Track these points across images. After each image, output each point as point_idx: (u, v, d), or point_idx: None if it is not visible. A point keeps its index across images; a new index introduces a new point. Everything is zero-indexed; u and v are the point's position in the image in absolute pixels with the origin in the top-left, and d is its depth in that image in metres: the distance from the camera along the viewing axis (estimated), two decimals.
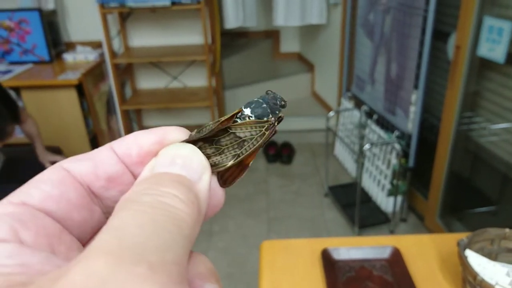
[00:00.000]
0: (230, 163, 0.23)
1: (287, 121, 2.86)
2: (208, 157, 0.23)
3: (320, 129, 2.74)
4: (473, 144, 1.93)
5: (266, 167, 2.58)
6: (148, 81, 2.60)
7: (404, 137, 2.01)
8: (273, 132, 0.24)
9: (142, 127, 2.68)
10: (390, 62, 2.08)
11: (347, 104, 2.48)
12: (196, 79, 2.61)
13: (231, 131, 0.24)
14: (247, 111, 0.24)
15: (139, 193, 0.17)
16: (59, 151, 2.01)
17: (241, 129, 0.24)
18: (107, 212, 0.21)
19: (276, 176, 2.48)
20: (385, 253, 0.74)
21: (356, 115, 2.34)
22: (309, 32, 3.25)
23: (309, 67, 3.33)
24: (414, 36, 1.85)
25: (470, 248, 0.67)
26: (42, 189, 0.20)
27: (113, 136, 2.44)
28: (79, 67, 2.22)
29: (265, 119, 0.24)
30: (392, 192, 2.07)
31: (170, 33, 2.47)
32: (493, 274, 0.63)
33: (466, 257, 0.63)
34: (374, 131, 2.19)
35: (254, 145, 0.23)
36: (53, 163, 1.67)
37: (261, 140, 0.24)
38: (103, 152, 0.21)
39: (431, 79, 1.97)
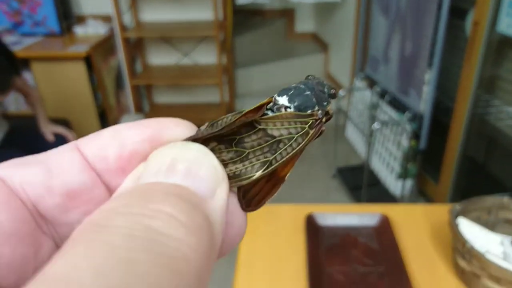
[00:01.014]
0: (258, 173, 0.16)
1: None
2: (224, 164, 0.16)
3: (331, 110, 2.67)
4: (489, 127, 1.85)
5: None
6: (158, 57, 2.58)
7: (416, 118, 1.94)
8: (319, 131, 0.18)
9: (152, 104, 2.68)
10: (405, 39, 2.00)
11: (359, 84, 2.41)
12: (207, 57, 2.57)
13: (259, 126, 0.17)
14: (283, 100, 0.17)
15: (111, 213, 0.11)
16: (67, 124, 2.01)
17: (275, 125, 0.17)
18: None
19: None
20: (373, 221, 0.70)
21: (367, 96, 2.28)
22: (325, 11, 3.16)
23: (323, 47, 3.25)
24: (430, 11, 1.77)
25: (465, 217, 0.63)
26: None
27: (122, 111, 2.44)
28: (89, 41, 2.21)
29: (309, 111, 0.17)
30: (402, 175, 2.01)
31: (181, 8, 2.43)
32: (485, 243, 0.58)
33: (456, 225, 0.59)
34: (386, 112, 2.12)
35: (294, 149, 0.17)
36: (55, 134, 1.67)
37: (303, 142, 0.17)
38: (63, 154, 0.15)
39: (447, 58, 1.89)
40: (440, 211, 0.74)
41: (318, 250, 0.66)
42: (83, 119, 2.23)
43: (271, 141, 0.17)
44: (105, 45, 2.30)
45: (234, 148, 0.17)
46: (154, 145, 0.15)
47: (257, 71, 2.93)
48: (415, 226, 0.71)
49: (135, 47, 2.48)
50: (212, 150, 0.16)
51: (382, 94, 2.16)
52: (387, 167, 2.12)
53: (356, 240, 0.68)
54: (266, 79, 2.92)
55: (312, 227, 0.70)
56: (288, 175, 0.18)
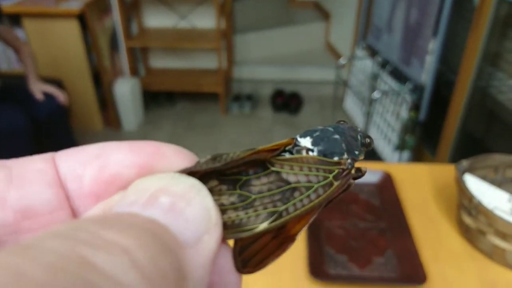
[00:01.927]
0: (263, 226, 0.13)
1: (297, 71, 2.76)
2: (223, 209, 0.13)
3: (331, 81, 2.63)
4: (490, 101, 1.82)
5: (272, 116, 2.51)
6: (155, 19, 2.50)
7: (417, 89, 1.90)
8: (346, 185, 0.14)
9: (148, 68, 2.61)
10: (410, 6, 1.94)
11: (360, 54, 2.36)
12: (205, 20, 2.50)
13: (273, 168, 0.14)
14: (305, 142, 0.14)
15: (48, 233, 0.09)
16: (59, 85, 1.96)
17: (292, 169, 0.14)
18: None
19: (281, 126, 2.42)
20: (375, 178, 0.68)
21: (368, 66, 2.23)
22: None
23: (325, 15, 3.18)
24: None
25: (471, 175, 0.60)
26: None
27: (117, 74, 2.38)
28: None
29: (336, 159, 0.14)
30: (399, 147, 1.99)
31: None
32: (492, 200, 0.56)
33: (463, 181, 0.56)
34: (386, 82, 2.08)
35: (312, 201, 0.13)
36: (46, 94, 1.61)
37: (324, 195, 0.14)
38: (34, 163, 0.12)
39: (452, 28, 1.83)
40: (443, 170, 0.72)
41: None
42: (77, 80, 2.18)
43: (284, 188, 0.14)
44: (100, 3, 2.22)
45: (238, 191, 0.14)
46: (142, 173, 0.12)
47: (257, 37, 2.86)
48: (418, 184, 0.68)
49: (131, 7, 2.40)
50: (211, 190, 0.13)
51: (383, 64, 2.12)
52: (384, 138, 2.10)
53: (357, 196, 0.66)
54: (265, 47, 2.85)
55: None
56: (299, 234, 0.14)
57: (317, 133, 0.15)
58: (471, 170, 0.59)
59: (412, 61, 1.93)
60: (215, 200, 0.13)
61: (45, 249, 0.08)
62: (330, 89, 2.58)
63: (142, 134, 2.31)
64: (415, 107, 1.90)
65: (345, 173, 0.14)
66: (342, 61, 2.09)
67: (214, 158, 0.14)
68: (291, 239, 0.14)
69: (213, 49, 2.49)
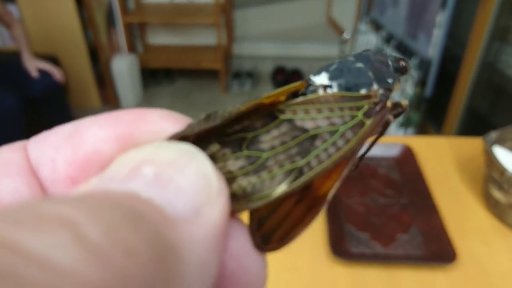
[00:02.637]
0: (282, 189, 0.10)
1: (298, 48, 2.70)
2: (231, 177, 0.11)
3: (333, 57, 2.57)
4: (498, 76, 1.77)
5: None
6: None
7: (423, 65, 1.86)
8: (383, 122, 0.11)
9: (145, 45, 2.54)
10: None
11: (364, 28, 2.29)
12: None
13: (283, 116, 0.11)
14: (321, 79, 0.11)
15: None
16: (55, 61, 1.90)
17: (307, 113, 0.11)
18: None
19: None
20: (394, 151, 0.64)
21: (372, 41, 2.18)
22: None
23: None
24: None
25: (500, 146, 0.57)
26: None
27: (114, 51, 2.31)
28: None
29: (364, 91, 0.11)
30: (404, 123, 1.96)
31: None
32: None
33: (493, 153, 0.52)
34: None
35: (339, 149, 0.10)
36: (41, 71, 1.56)
37: (355, 139, 0.10)
38: (3, 153, 0.11)
39: (460, 1, 1.78)
40: (465, 143, 0.68)
41: None
42: (73, 57, 2.12)
43: (302, 138, 0.11)
44: None
45: (246, 152, 0.11)
46: (124, 146, 0.10)
47: (257, 12, 2.78)
48: (440, 158, 0.65)
49: None
50: (212, 156, 0.11)
51: (388, 39, 2.06)
52: None
53: (375, 170, 0.62)
54: (266, 22, 2.78)
55: None
56: (331, 192, 0.11)
57: (335, 66, 0.12)
58: (500, 141, 0.56)
59: (418, 35, 1.88)
60: (220, 168, 0.10)
61: None
62: None
63: None
64: (421, 82, 1.85)
65: (378, 107, 0.11)
66: (346, 35, 2.03)
67: (208, 117, 0.11)
68: (321, 200, 0.11)
69: (212, 25, 2.42)
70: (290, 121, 0.11)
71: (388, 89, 0.12)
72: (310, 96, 0.11)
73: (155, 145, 0.10)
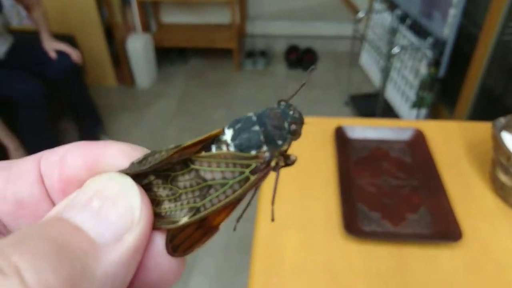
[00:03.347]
0: (184, 220, 0.14)
1: (312, 26, 2.68)
2: (160, 201, 0.15)
3: (346, 36, 2.56)
4: None
5: (286, 72, 2.47)
6: None
7: (438, 44, 1.84)
8: (265, 175, 0.14)
9: (159, 24, 2.56)
10: None
11: (379, 7, 2.27)
12: None
13: (192, 166, 0.14)
14: (228, 135, 0.14)
15: None
16: (71, 41, 1.93)
17: (210, 165, 0.14)
18: None
19: (296, 82, 2.38)
20: (406, 135, 0.67)
21: (387, 20, 2.16)
22: None
23: None
24: None
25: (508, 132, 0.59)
26: None
27: (129, 30, 2.33)
28: None
29: (253, 153, 0.14)
30: (416, 104, 1.96)
31: None
32: None
33: (501, 138, 0.55)
34: (405, 37, 2.02)
35: (227, 197, 0.14)
36: (59, 51, 1.59)
37: (240, 190, 0.14)
38: (26, 164, 0.15)
39: None
40: (476, 128, 0.71)
41: (348, 163, 0.64)
42: (89, 36, 2.14)
43: (202, 185, 0.14)
44: None
45: (169, 185, 0.15)
46: (92, 173, 0.14)
47: None
48: (450, 141, 0.67)
49: None
50: (150, 183, 0.15)
51: (403, 18, 2.05)
52: (401, 96, 2.07)
53: (387, 153, 0.65)
54: (279, 1, 2.75)
55: (341, 140, 0.67)
56: (222, 223, 0.15)
57: (239, 125, 0.14)
58: (509, 127, 0.58)
59: (433, 14, 1.86)
60: (154, 192, 0.14)
61: None
62: (346, 45, 2.52)
63: (155, 91, 2.30)
64: (435, 62, 1.85)
65: (262, 166, 0.14)
66: (361, 14, 2.02)
67: (144, 158, 0.14)
68: (214, 229, 0.15)
69: (225, 3, 2.42)
70: (197, 170, 0.14)
71: (276, 150, 0.15)
72: (214, 152, 0.15)
73: (108, 176, 0.14)
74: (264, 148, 0.14)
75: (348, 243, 0.53)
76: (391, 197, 0.58)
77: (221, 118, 2.08)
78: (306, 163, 0.65)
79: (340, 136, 0.67)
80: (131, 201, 0.13)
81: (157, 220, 0.14)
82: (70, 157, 0.15)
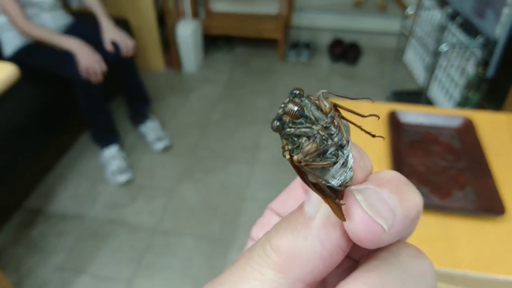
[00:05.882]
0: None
1: (357, 21, 2.69)
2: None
3: (392, 32, 2.55)
4: None
5: (329, 65, 2.50)
6: None
7: (488, 44, 1.83)
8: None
9: (208, 11, 2.64)
10: None
11: (428, 4, 2.26)
12: None
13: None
14: None
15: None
16: (126, 25, 2.03)
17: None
18: None
19: (339, 76, 2.41)
20: (456, 122, 0.71)
21: (436, 17, 2.14)
22: None
23: None
24: None
25: None
26: None
27: (179, 16, 2.42)
28: None
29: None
30: (461, 103, 1.95)
31: None
32: None
33: None
34: (454, 35, 2.01)
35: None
36: (114, 44, 1.67)
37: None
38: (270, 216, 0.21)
39: None
40: None
41: (400, 144, 0.68)
42: (142, 21, 2.24)
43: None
44: None
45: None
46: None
47: None
48: (499, 132, 0.71)
49: None
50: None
51: (453, 16, 2.03)
52: (445, 94, 2.06)
53: (437, 138, 0.69)
54: None
55: (394, 123, 0.71)
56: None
57: None
58: None
59: (486, 13, 1.84)
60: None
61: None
62: (391, 40, 2.51)
63: (201, 76, 2.39)
64: (484, 62, 1.83)
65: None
66: (410, 11, 2.02)
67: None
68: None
69: None
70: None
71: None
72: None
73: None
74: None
75: None
76: (439, 176, 0.63)
77: (263, 105, 2.15)
78: (359, 144, 0.70)
79: (393, 120, 0.72)
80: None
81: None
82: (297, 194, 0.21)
